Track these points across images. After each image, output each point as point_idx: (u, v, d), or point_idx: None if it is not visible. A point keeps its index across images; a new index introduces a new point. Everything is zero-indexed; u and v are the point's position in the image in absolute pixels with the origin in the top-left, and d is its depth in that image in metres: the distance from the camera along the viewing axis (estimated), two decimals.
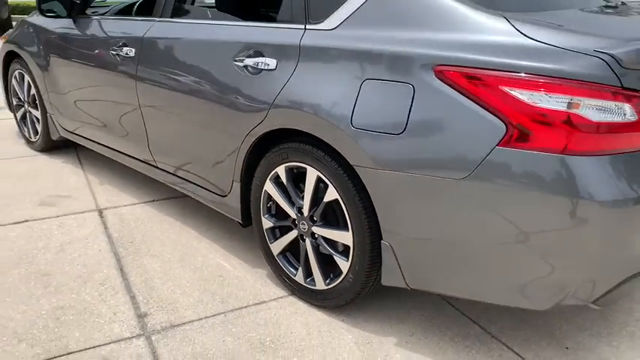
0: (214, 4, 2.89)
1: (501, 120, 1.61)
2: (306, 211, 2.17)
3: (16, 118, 4.38)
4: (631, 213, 1.58)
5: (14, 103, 4.32)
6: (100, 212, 3.15)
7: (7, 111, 4.60)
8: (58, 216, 3.09)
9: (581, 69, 1.56)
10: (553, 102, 1.57)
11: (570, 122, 1.56)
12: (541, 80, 1.57)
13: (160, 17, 2.83)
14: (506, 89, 1.60)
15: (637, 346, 2.08)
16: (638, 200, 1.58)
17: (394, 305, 2.30)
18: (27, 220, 3.02)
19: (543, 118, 1.57)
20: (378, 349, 2.04)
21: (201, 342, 2.05)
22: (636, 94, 1.59)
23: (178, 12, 2.80)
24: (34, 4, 13.07)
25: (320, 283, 2.21)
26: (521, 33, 1.66)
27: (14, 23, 9.24)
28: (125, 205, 3.25)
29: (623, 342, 2.10)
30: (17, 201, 3.26)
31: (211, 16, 2.90)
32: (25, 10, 12.63)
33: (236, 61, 2.29)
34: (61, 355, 1.97)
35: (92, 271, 2.52)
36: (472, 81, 1.65)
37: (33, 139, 4.19)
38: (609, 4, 2.35)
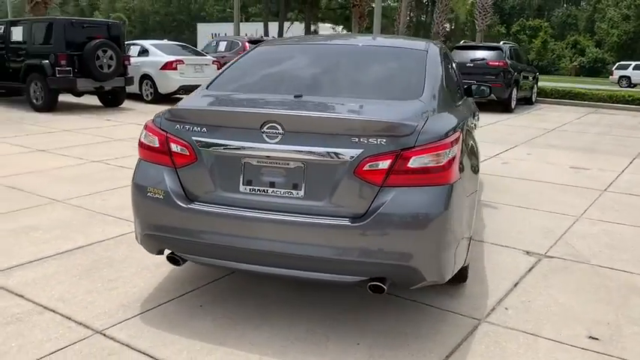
0: None
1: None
2: None
3: None
4: (141, 192, 2.95)
5: None
6: None
7: None
8: None
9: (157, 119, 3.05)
10: (148, 137, 3.07)
11: (141, 144, 3.07)
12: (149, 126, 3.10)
13: None
14: None
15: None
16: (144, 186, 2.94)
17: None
18: None
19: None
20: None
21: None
22: (163, 132, 2.93)
23: None
24: None
25: None
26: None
27: None
28: None
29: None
30: None
31: None
32: None
33: None
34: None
35: None
36: None
37: None
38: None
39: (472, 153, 3.39)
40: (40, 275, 3.55)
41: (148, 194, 2.93)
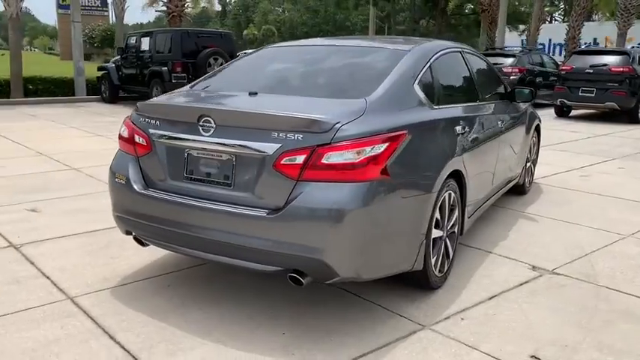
0: None
1: None
2: None
3: None
4: (112, 177, 3.30)
5: None
6: None
7: None
8: None
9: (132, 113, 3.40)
10: (125, 130, 3.42)
11: (119, 136, 3.43)
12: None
13: None
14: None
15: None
16: (114, 172, 3.29)
17: None
18: None
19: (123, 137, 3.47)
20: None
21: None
22: (132, 125, 3.26)
23: None
24: None
25: None
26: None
27: None
28: None
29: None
30: None
31: None
32: None
33: None
34: None
35: None
36: None
37: None
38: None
39: (439, 154, 3.28)
40: (59, 248, 4.09)
41: (116, 179, 3.28)
